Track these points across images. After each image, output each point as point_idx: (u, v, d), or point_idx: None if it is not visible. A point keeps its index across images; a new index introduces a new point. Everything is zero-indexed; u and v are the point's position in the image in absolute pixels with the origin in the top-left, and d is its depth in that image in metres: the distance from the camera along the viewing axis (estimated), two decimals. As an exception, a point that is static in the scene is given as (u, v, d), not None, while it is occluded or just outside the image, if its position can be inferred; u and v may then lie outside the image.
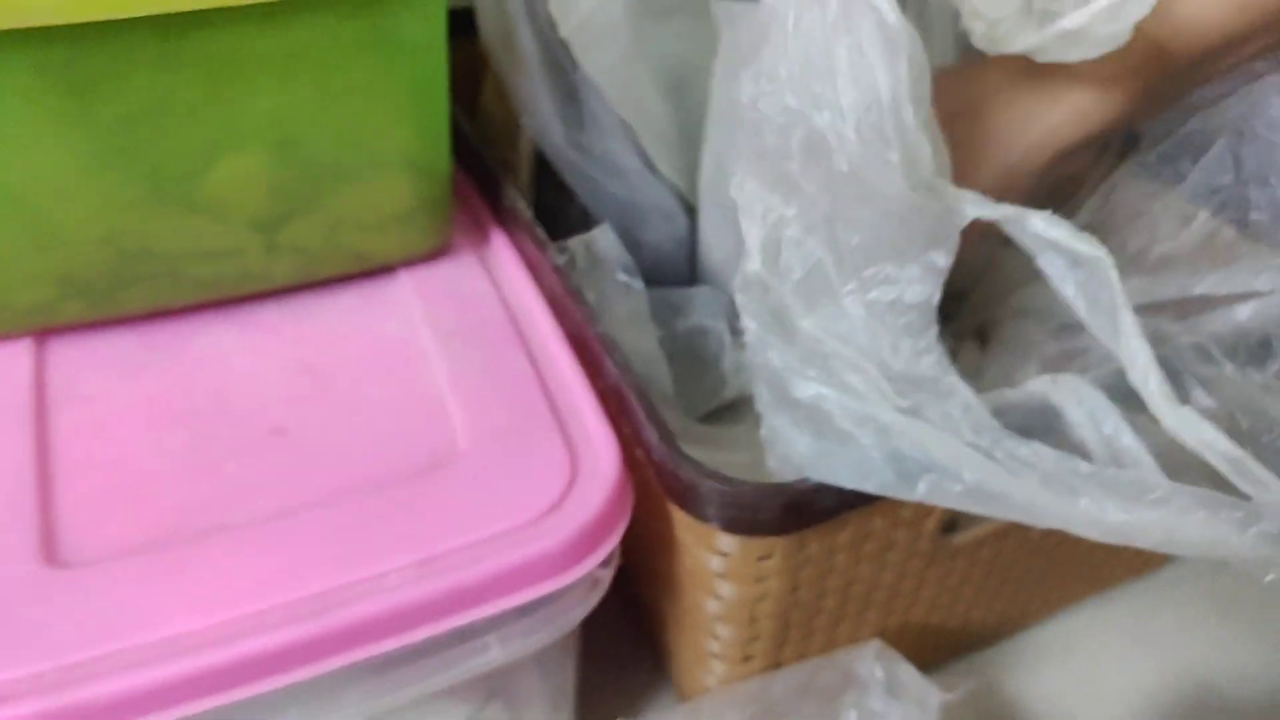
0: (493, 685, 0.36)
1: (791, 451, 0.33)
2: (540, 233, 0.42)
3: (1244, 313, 0.41)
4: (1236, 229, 0.47)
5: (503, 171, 0.45)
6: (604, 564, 0.34)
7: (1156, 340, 0.43)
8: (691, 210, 0.51)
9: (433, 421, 0.36)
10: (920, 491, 0.31)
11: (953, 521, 0.40)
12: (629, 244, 0.51)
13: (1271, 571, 0.32)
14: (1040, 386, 0.35)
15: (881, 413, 0.31)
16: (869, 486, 0.31)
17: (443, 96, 0.39)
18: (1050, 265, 0.34)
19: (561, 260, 0.46)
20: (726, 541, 0.34)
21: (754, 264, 0.35)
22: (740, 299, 0.35)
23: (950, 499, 0.31)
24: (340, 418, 0.36)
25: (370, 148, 0.38)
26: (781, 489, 0.32)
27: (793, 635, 0.40)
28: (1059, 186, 0.46)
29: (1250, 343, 0.39)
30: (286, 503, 0.33)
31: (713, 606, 0.37)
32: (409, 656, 0.32)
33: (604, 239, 0.46)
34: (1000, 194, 0.40)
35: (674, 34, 0.51)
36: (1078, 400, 0.35)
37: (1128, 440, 0.34)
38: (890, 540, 0.37)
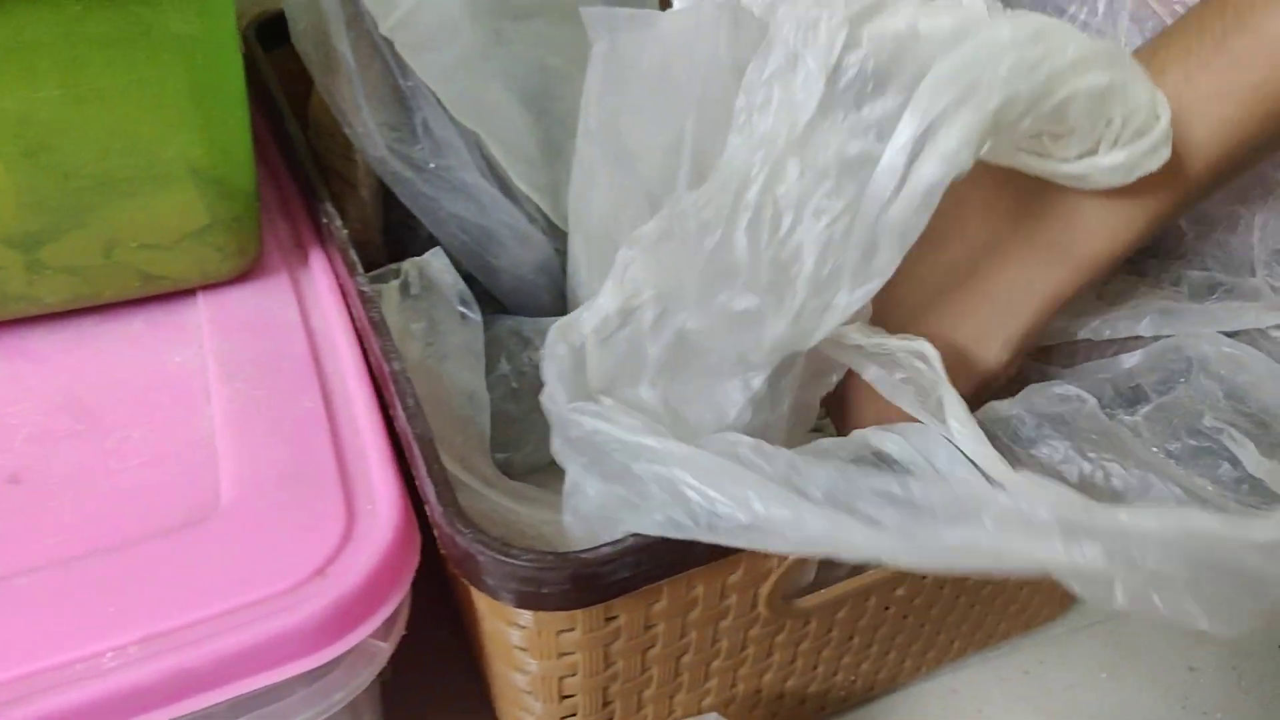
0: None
1: (582, 501, 0.29)
2: (351, 255, 0.38)
3: (1129, 361, 0.38)
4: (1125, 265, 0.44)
5: (321, 186, 0.41)
6: (382, 634, 0.30)
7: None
8: (560, 232, 0.47)
9: (197, 470, 0.32)
10: (702, 529, 0.27)
11: (796, 585, 0.36)
12: (482, 269, 0.47)
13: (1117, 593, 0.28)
14: (864, 435, 0.31)
15: (658, 442, 0.27)
16: (649, 527, 0.27)
17: (237, 102, 0.35)
18: (877, 374, 0.31)
19: (387, 286, 0.42)
20: (522, 614, 0.30)
21: (587, 325, 0.32)
22: (551, 336, 0.32)
23: (741, 536, 0.27)
24: (92, 464, 0.32)
25: (147, 158, 0.34)
26: (566, 560, 0.28)
27: (619, 708, 0.36)
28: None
29: (1124, 388, 0.35)
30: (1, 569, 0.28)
31: (519, 679, 0.33)
32: (129, 749, 0.27)
33: (437, 263, 0.42)
34: (1010, 364, 0.36)
35: (534, 37, 0.47)
36: (913, 448, 0.31)
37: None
38: (720, 608, 0.33)
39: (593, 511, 0.28)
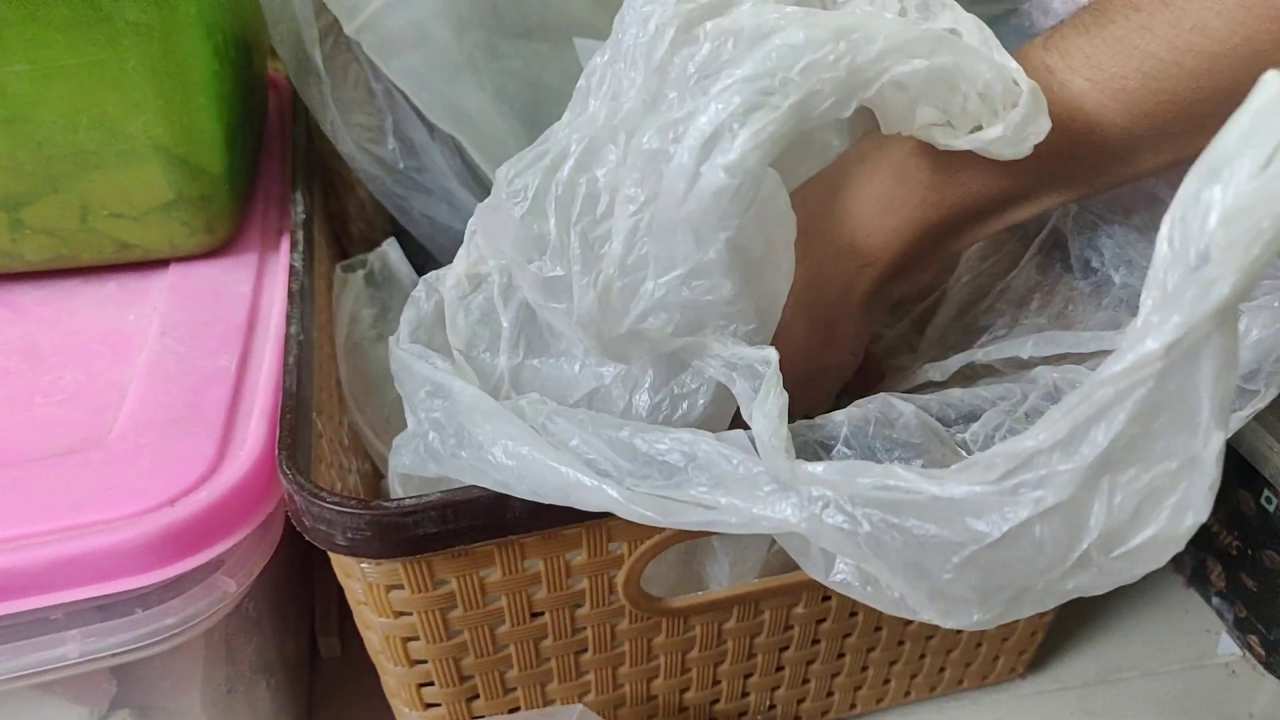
0: (119, 692, 0.34)
1: (402, 441, 0.31)
2: (298, 235, 0.41)
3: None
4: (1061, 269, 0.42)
5: (302, 178, 0.44)
6: (230, 572, 0.32)
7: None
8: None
9: (104, 408, 0.35)
10: (448, 460, 0.28)
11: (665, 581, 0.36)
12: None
13: None
14: None
15: (447, 380, 0.29)
16: (411, 456, 0.29)
17: (202, 88, 0.39)
18: (743, 389, 0.30)
19: (353, 275, 0.45)
20: (351, 564, 0.31)
21: (446, 282, 0.34)
22: (420, 285, 0.34)
23: (476, 473, 0.28)
24: (22, 396, 0.36)
25: (110, 133, 0.38)
26: (367, 506, 0.29)
27: (480, 684, 0.36)
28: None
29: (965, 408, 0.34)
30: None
31: (372, 639, 0.35)
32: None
33: (393, 253, 0.45)
34: (854, 279, 0.35)
35: (532, 55, 0.49)
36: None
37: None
38: (571, 591, 0.34)
39: (397, 444, 0.30)
